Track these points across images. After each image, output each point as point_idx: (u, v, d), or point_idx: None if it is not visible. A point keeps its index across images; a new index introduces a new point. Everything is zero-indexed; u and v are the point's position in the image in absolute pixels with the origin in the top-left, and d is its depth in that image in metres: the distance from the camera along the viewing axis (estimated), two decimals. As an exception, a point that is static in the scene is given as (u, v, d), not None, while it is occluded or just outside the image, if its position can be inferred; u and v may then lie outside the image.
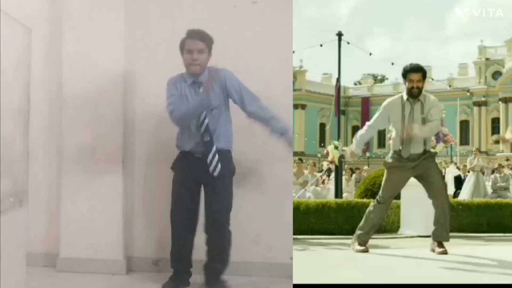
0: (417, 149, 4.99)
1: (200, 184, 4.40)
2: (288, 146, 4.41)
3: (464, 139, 45.80)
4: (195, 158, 4.34)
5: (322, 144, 41.56)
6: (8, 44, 3.07)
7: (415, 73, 4.97)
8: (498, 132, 43.20)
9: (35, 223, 4.81)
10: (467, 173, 14.69)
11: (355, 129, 40.33)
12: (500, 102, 44.89)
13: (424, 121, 4.94)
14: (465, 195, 13.08)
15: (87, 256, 4.90)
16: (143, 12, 5.08)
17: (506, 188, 13.21)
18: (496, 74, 45.45)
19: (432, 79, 38.78)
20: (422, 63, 5.11)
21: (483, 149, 45.19)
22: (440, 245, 4.98)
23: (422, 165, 5.00)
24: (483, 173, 14.36)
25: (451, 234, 5.05)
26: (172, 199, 4.44)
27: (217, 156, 4.30)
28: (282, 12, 4.92)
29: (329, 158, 10.43)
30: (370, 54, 30.56)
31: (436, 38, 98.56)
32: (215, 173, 4.29)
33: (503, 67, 44.49)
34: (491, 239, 7.85)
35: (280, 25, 4.91)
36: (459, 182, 15.52)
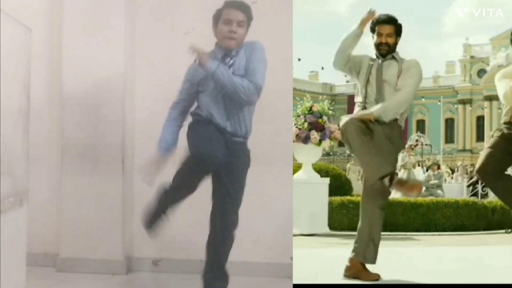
0: None
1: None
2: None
3: (449, 137, 45.85)
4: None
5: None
6: (8, 44, 3.07)
7: (385, 24, 3.95)
8: (483, 131, 42.24)
9: (35, 223, 4.80)
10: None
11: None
12: (484, 100, 43.61)
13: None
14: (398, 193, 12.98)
15: (87, 256, 4.90)
16: (143, 12, 5.08)
17: (439, 186, 13.00)
18: (481, 72, 44.24)
19: None
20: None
21: (467, 147, 45.09)
22: None
23: None
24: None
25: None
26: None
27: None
28: (282, 12, 4.92)
29: None
30: (299, 59, 30.97)
31: (431, 36, 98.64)
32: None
33: (488, 65, 42.76)
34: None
35: (280, 25, 4.91)
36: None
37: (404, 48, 4.09)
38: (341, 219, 8.94)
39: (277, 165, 4.87)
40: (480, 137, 43.57)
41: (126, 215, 4.97)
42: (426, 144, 29.89)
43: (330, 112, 8.18)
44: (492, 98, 41.52)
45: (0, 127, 2.98)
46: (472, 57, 45.49)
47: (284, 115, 4.94)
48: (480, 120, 44.80)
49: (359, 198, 9.71)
